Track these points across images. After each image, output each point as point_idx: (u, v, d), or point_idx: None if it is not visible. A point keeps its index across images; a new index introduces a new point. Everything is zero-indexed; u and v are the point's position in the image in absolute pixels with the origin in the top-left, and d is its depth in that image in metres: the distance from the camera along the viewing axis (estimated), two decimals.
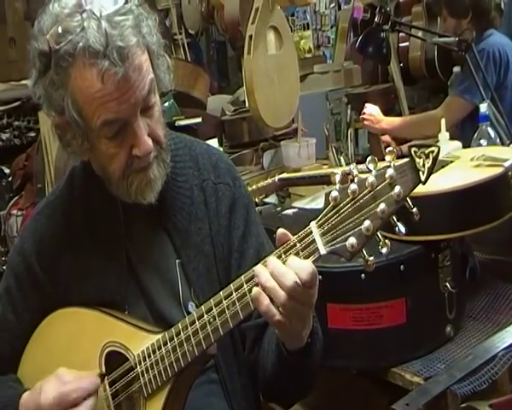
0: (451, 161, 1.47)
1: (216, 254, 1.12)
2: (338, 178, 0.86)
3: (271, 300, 0.88)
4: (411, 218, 0.84)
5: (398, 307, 1.27)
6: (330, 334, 1.26)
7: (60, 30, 0.94)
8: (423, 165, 0.81)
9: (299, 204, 1.92)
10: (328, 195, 0.87)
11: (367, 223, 0.83)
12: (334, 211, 0.86)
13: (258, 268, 0.90)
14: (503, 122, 1.94)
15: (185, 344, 0.97)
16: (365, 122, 2.57)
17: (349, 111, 3.01)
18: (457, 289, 1.30)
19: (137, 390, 1.03)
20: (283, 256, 0.89)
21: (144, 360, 1.01)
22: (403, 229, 0.84)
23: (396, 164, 0.83)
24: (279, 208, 1.87)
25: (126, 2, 0.97)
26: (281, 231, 0.91)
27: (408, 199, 0.83)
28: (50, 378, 1.03)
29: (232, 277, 1.10)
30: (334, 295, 1.27)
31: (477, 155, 1.43)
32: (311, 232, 0.88)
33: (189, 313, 1.09)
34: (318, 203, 1.90)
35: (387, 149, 0.85)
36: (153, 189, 1.04)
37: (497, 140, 1.77)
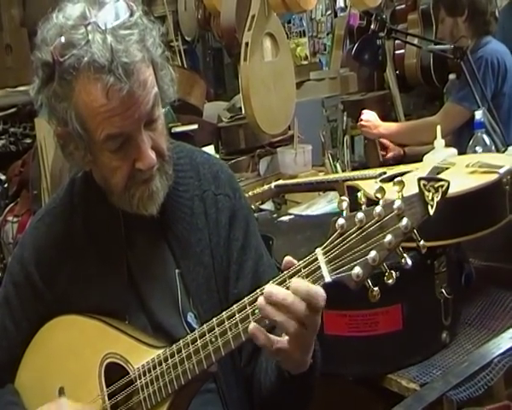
0: (447, 168, 1.47)
1: (215, 266, 1.11)
2: (345, 205, 0.86)
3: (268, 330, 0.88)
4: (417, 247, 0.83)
5: (393, 314, 1.27)
6: (326, 340, 1.25)
7: (64, 42, 0.93)
8: (432, 198, 0.81)
9: (295, 211, 1.92)
10: (334, 222, 0.86)
11: (373, 253, 0.83)
12: (341, 239, 0.85)
13: (262, 303, 0.88)
14: (498, 129, 1.95)
15: (186, 362, 0.97)
16: (363, 128, 2.58)
17: (345, 118, 3.02)
18: (453, 295, 1.30)
19: (137, 404, 1.03)
20: (287, 281, 0.88)
21: (144, 374, 1.01)
22: (409, 261, 0.84)
23: (404, 196, 0.82)
24: (275, 215, 1.87)
25: (131, 15, 0.96)
26: (287, 259, 0.90)
27: (415, 231, 0.82)
28: (51, 408, 1.03)
29: (230, 289, 1.11)
30: (330, 301, 1.26)
31: (472, 162, 1.44)
32: (317, 259, 0.87)
33: (188, 323, 1.09)
34: (314, 210, 1.91)
35: (396, 179, 0.84)
36: (155, 201, 1.04)
37: (493, 147, 1.78)
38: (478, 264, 1.56)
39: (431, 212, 0.81)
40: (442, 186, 0.81)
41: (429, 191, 0.81)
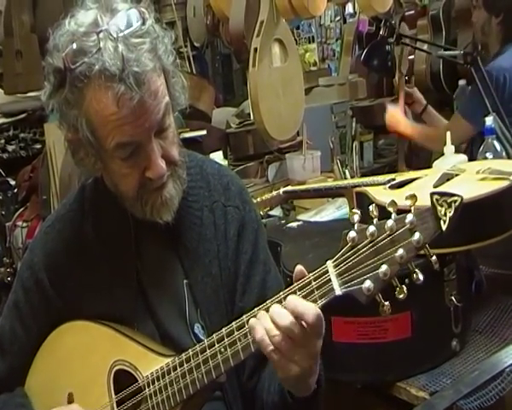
0: (457, 175, 1.46)
1: (222, 277, 1.11)
2: (356, 218, 0.85)
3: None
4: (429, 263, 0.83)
5: (403, 321, 1.26)
6: (335, 347, 1.25)
7: (75, 49, 0.93)
8: (445, 214, 0.80)
9: (303, 217, 1.92)
10: (346, 234, 0.85)
11: (384, 267, 0.82)
12: (352, 252, 0.85)
13: (259, 315, 0.90)
14: (508, 135, 1.93)
15: (195, 371, 0.96)
16: (387, 122, 2.55)
17: (354, 124, 3.00)
18: (463, 302, 1.29)
19: None
20: (298, 293, 0.88)
21: (153, 382, 1.01)
22: (421, 277, 0.83)
23: (417, 210, 0.81)
24: (283, 221, 1.86)
25: (144, 23, 0.96)
26: (298, 268, 0.90)
27: (427, 246, 0.81)
28: None
29: (236, 302, 1.10)
30: (339, 308, 1.25)
31: (483, 168, 1.42)
32: (327, 271, 0.87)
33: (194, 334, 1.09)
34: (323, 216, 1.90)
35: (408, 194, 0.83)
36: (169, 208, 1.04)
37: (503, 153, 1.77)
38: (488, 271, 1.55)
39: (443, 227, 0.80)
40: (455, 201, 0.80)
41: (442, 206, 0.80)
